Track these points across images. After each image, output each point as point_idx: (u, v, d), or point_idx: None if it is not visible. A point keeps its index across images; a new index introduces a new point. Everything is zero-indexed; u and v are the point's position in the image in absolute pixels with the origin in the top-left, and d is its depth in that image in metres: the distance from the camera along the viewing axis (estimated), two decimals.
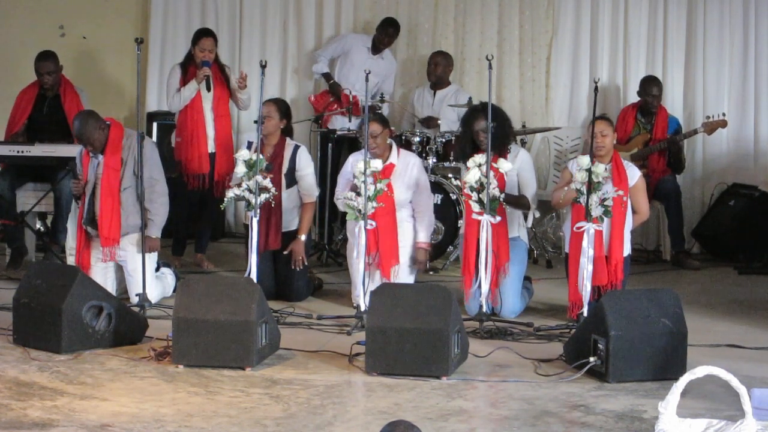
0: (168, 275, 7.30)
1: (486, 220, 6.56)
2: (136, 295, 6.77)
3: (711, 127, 8.82)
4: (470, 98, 8.79)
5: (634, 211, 6.86)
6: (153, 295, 6.90)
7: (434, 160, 8.42)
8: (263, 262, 7.01)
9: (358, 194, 6.54)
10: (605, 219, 6.47)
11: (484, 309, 6.52)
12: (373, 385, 5.32)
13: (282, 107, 7.43)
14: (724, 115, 8.87)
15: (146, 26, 10.02)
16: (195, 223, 8.34)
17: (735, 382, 3.84)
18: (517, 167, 7.03)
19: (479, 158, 6.63)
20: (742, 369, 5.25)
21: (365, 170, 6.50)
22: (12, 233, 8.15)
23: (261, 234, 7.00)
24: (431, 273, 8.17)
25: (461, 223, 7.91)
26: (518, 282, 6.93)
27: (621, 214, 6.66)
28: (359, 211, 6.54)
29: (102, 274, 6.94)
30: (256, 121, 7.52)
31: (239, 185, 6.76)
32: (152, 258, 7.04)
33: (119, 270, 7.09)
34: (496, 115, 6.96)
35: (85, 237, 6.99)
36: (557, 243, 8.93)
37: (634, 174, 6.88)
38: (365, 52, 9.41)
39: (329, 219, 8.79)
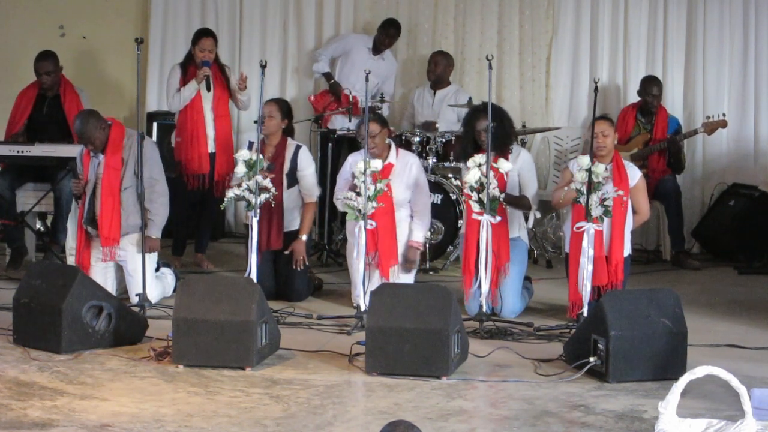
0: (168, 275, 7.30)
1: (486, 220, 6.56)
2: (136, 295, 6.77)
3: (711, 127, 8.82)
4: (470, 98, 8.80)
5: (634, 212, 6.86)
6: (153, 295, 6.90)
7: (434, 160, 8.42)
8: (264, 262, 7.02)
9: (358, 194, 6.54)
10: (605, 219, 6.47)
11: (484, 309, 6.52)
12: (373, 385, 5.32)
13: (284, 107, 7.43)
14: (724, 115, 8.87)
15: (146, 26, 10.02)
16: (195, 223, 8.35)
17: (735, 382, 3.84)
18: (519, 168, 7.03)
19: (479, 158, 6.63)
20: (742, 369, 5.25)
21: (365, 170, 6.50)
22: (12, 233, 8.15)
23: (262, 234, 7.02)
24: (431, 273, 8.17)
25: (461, 223, 7.92)
26: (518, 282, 6.93)
27: (621, 215, 6.66)
28: (359, 211, 6.54)
29: (102, 274, 6.94)
30: (256, 121, 7.52)
31: (239, 185, 6.76)
32: (152, 258, 7.05)
33: (119, 270, 7.09)
34: (498, 115, 6.98)
35: (85, 237, 6.99)
36: (557, 243, 8.93)
37: (634, 174, 6.88)
38: (366, 53, 9.41)
39: (329, 219, 8.79)
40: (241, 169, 6.74)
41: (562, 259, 7.58)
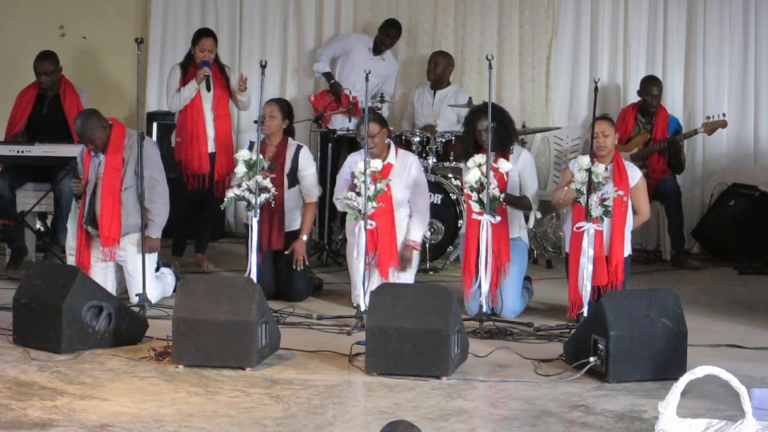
0: (168, 275, 7.30)
1: (486, 220, 6.56)
2: (136, 295, 6.77)
3: (711, 127, 8.82)
4: (470, 98, 8.80)
5: (634, 212, 6.86)
6: (153, 295, 6.90)
7: (434, 160, 8.42)
8: (264, 262, 7.02)
9: (358, 194, 6.54)
10: (605, 219, 6.47)
11: (484, 309, 6.52)
12: (373, 385, 5.32)
13: (285, 107, 7.43)
14: (724, 115, 8.87)
15: (146, 26, 10.02)
16: (195, 223, 8.35)
17: (735, 382, 3.84)
18: (519, 168, 7.03)
19: (479, 158, 6.63)
20: (742, 369, 5.25)
21: (365, 170, 6.50)
22: (12, 233, 8.15)
23: (264, 234, 7.03)
24: (431, 273, 8.18)
25: (461, 223, 7.92)
26: (518, 282, 6.93)
27: (621, 215, 6.66)
28: (359, 211, 6.54)
29: (102, 274, 6.94)
30: (256, 121, 7.52)
31: (239, 185, 6.76)
32: (152, 258, 7.05)
33: (119, 270, 7.09)
34: (499, 115, 6.98)
35: (86, 237, 6.99)
36: (557, 243, 8.93)
37: (635, 174, 6.88)
38: (366, 53, 9.41)
39: (329, 219, 8.79)
40: (241, 169, 6.74)
41: (562, 259, 7.58)
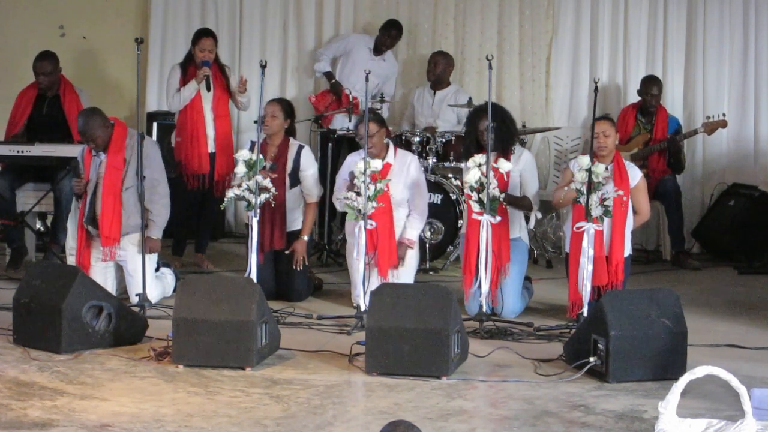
0: (168, 275, 7.30)
1: (486, 220, 6.56)
2: (136, 295, 6.76)
3: (711, 127, 8.83)
4: (470, 98, 8.80)
5: (634, 212, 6.86)
6: (153, 295, 6.90)
7: (434, 160, 8.42)
8: (264, 262, 7.02)
9: (358, 194, 6.54)
10: (606, 219, 6.47)
11: (484, 309, 6.52)
12: (373, 385, 5.32)
13: (286, 107, 7.44)
14: (724, 115, 8.87)
15: (146, 26, 10.02)
16: (195, 223, 8.34)
17: (735, 382, 3.84)
18: (521, 168, 7.03)
19: (479, 158, 6.63)
20: (742, 369, 5.25)
21: (365, 170, 6.50)
22: (12, 233, 8.15)
23: (265, 233, 7.05)
24: (431, 273, 8.18)
25: (461, 223, 7.92)
26: (519, 282, 6.93)
27: (622, 215, 6.65)
28: (359, 211, 6.54)
29: (102, 274, 6.94)
30: (256, 121, 7.52)
31: (239, 185, 6.76)
32: (152, 258, 7.05)
33: (119, 270, 7.09)
34: (500, 115, 6.98)
35: (86, 236, 6.99)
36: (557, 243, 8.93)
37: (635, 174, 6.87)
38: (367, 53, 9.41)
39: (328, 218, 8.79)
40: (241, 169, 6.74)
41: (562, 259, 7.58)
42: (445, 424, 4.73)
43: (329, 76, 9.45)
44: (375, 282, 6.56)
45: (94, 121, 6.88)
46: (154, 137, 9.31)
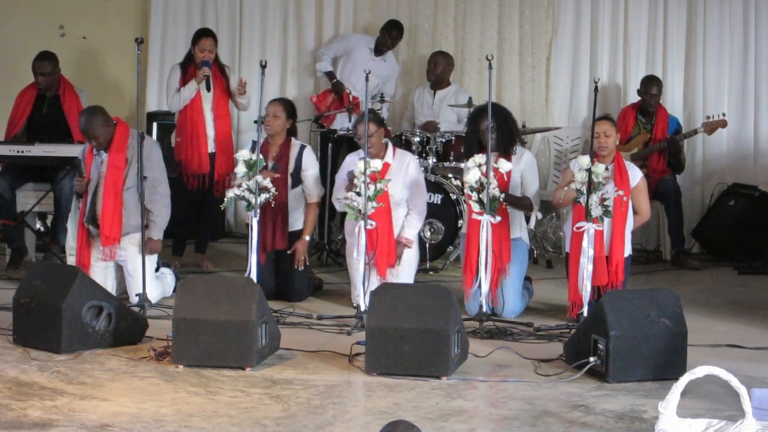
0: (168, 275, 7.30)
1: (486, 220, 6.56)
2: (136, 295, 6.76)
3: (711, 127, 8.83)
4: (470, 98, 8.79)
5: (635, 212, 6.86)
6: (153, 295, 6.90)
7: (434, 160, 8.42)
8: (265, 262, 7.03)
9: (358, 194, 6.54)
10: (606, 219, 6.47)
11: (484, 309, 6.52)
12: (373, 385, 5.32)
13: (288, 107, 7.44)
14: (724, 115, 8.87)
15: (146, 26, 10.02)
16: (195, 223, 8.34)
17: (735, 382, 3.84)
18: (522, 168, 7.03)
19: (479, 158, 6.63)
20: (742, 369, 5.25)
21: (365, 170, 6.50)
22: (12, 233, 8.15)
23: (267, 233, 7.06)
24: (431, 273, 8.18)
25: (461, 223, 7.92)
26: (519, 282, 6.93)
27: (622, 215, 6.65)
28: (359, 211, 6.54)
29: (102, 274, 6.94)
30: (256, 121, 7.52)
31: (239, 185, 6.76)
32: (152, 258, 7.04)
33: (119, 270, 7.09)
34: (502, 115, 6.99)
35: (86, 236, 6.98)
36: (557, 243, 8.94)
37: (635, 175, 6.87)
38: (368, 53, 9.41)
39: (328, 218, 8.79)
40: (241, 169, 6.74)
41: (562, 259, 7.59)
42: (445, 424, 4.73)
43: (330, 75, 9.45)
44: (375, 282, 6.56)
45: (96, 120, 6.88)
46: (154, 137, 9.31)
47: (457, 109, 9.04)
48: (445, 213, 8.21)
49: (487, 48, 9.48)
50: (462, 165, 7.76)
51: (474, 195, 6.60)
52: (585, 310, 6.39)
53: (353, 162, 6.92)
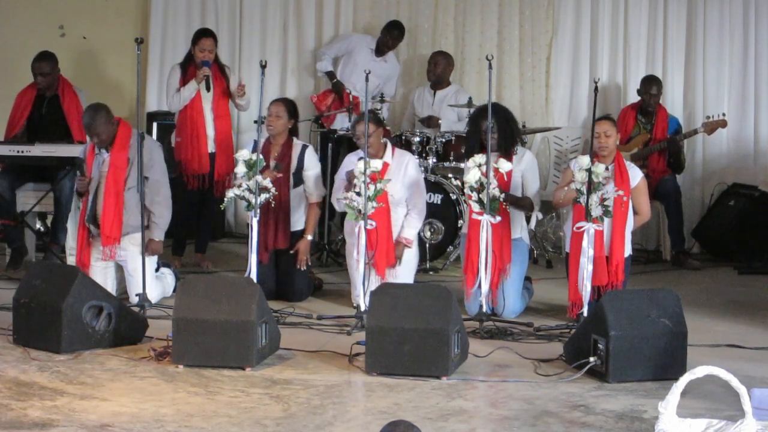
0: (168, 275, 7.30)
1: (486, 220, 6.56)
2: (136, 295, 6.76)
3: (711, 127, 8.82)
4: (470, 98, 8.79)
5: (635, 212, 6.86)
6: (153, 295, 6.90)
7: (434, 160, 8.42)
8: (267, 261, 7.04)
9: (358, 194, 6.54)
10: (606, 219, 6.47)
11: (484, 309, 6.52)
12: (373, 385, 5.32)
13: (290, 107, 7.44)
14: (724, 115, 8.87)
15: (146, 26, 10.02)
16: (195, 223, 8.34)
17: (735, 382, 3.84)
18: (522, 168, 7.03)
19: (479, 158, 6.63)
20: (742, 369, 5.25)
21: (365, 170, 6.50)
22: (12, 233, 8.14)
23: (269, 233, 7.06)
24: (431, 273, 8.17)
25: (461, 223, 7.92)
26: (519, 282, 6.93)
27: (622, 215, 6.65)
28: (359, 211, 6.54)
29: (102, 274, 6.94)
30: (256, 121, 7.51)
31: (239, 185, 6.76)
32: (152, 258, 7.04)
33: (119, 270, 7.09)
34: (503, 115, 6.99)
35: (87, 235, 6.98)
36: (557, 243, 8.93)
37: (635, 175, 6.87)
38: (369, 54, 9.41)
39: (327, 218, 8.79)
40: (241, 169, 6.73)
41: (562, 259, 7.58)
42: (445, 424, 4.73)
43: (331, 75, 9.45)
44: (375, 282, 6.56)
45: (99, 117, 6.89)
46: (154, 137, 9.31)
47: (457, 109, 9.04)
48: (445, 213, 8.20)
49: (487, 48, 9.48)
50: (462, 165, 7.77)
51: (474, 195, 6.60)
52: (585, 310, 6.39)
53: (352, 162, 6.92)
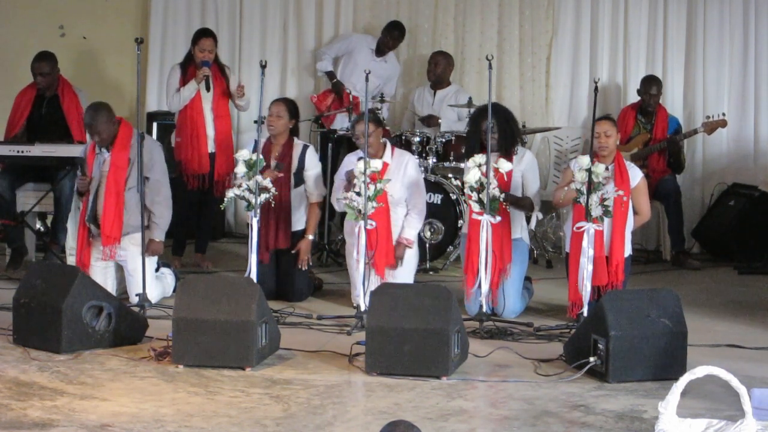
0: (168, 275, 7.30)
1: (486, 220, 6.56)
2: (136, 295, 6.76)
3: (711, 127, 8.82)
4: (470, 98, 8.80)
5: (635, 212, 6.86)
6: (153, 295, 6.90)
7: (434, 160, 8.42)
8: (268, 261, 7.04)
9: (358, 194, 6.54)
10: (606, 219, 6.47)
11: (484, 309, 6.51)
12: (373, 385, 5.32)
13: (291, 107, 7.44)
14: (724, 115, 8.87)
15: (146, 26, 10.02)
16: (195, 223, 8.34)
17: (735, 382, 3.84)
18: (523, 168, 7.03)
19: (479, 158, 6.63)
20: (742, 369, 5.25)
21: (365, 170, 6.50)
22: (12, 233, 8.14)
23: (270, 233, 7.06)
24: (431, 273, 8.17)
25: (461, 223, 7.92)
26: (519, 282, 6.93)
27: (622, 215, 6.65)
28: (359, 211, 6.54)
29: (102, 274, 6.94)
30: (256, 121, 7.51)
31: (239, 186, 6.76)
32: (152, 258, 7.04)
33: (119, 270, 7.09)
34: (504, 115, 6.99)
35: (87, 235, 6.98)
36: (557, 243, 8.93)
37: (636, 175, 6.87)
38: (369, 54, 9.41)
39: (327, 218, 8.79)
40: (241, 169, 6.73)
41: (562, 259, 7.58)
42: (445, 424, 4.73)
43: (331, 75, 9.45)
44: (375, 282, 6.56)
45: (101, 115, 6.89)
46: (154, 137, 9.31)
47: (457, 108, 9.05)
48: (445, 213, 8.20)
49: (487, 48, 9.48)
50: (462, 165, 7.76)
51: (474, 195, 6.60)
52: (585, 310, 6.39)
53: (352, 162, 6.92)
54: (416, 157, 7.88)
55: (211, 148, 8.18)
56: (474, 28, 9.77)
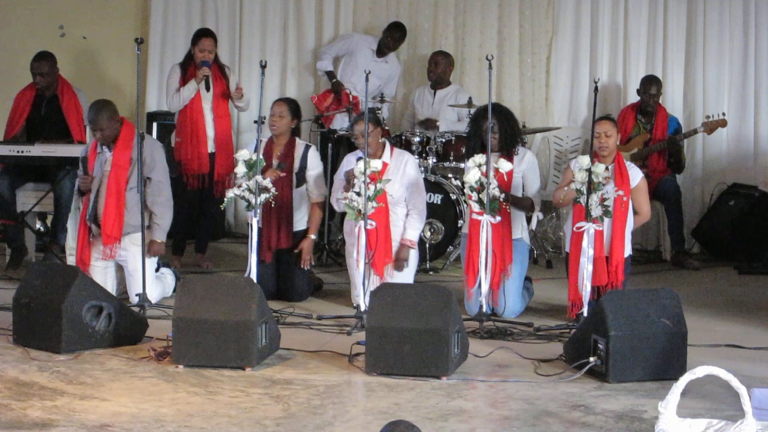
0: (168, 275, 7.30)
1: (486, 220, 6.56)
2: (136, 295, 6.76)
3: (711, 126, 8.82)
4: (470, 98, 8.80)
5: (635, 212, 6.86)
6: (153, 295, 6.90)
7: (434, 160, 8.41)
8: (270, 260, 7.04)
9: (358, 194, 6.54)
10: (606, 219, 6.47)
11: (484, 309, 6.52)
12: (373, 385, 5.32)
13: (293, 107, 7.45)
14: (723, 114, 8.87)
15: (146, 26, 10.03)
16: (195, 223, 8.34)
17: (735, 382, 3.84)
18: (523, 169, 7.03)
19: (479, 158, 6.63)
20: (742, 369, 5.25)
21: (365, 170, 6.50)
22: (12, 233, 8.15)
23: (272, 232, 7.07)
24: (431, 273, 8.17)
25: (461, 223, 7.92)
26: (519, 282, 6.93)
27: (622, 215, 6.65)
28: (359, 211, 6.54)
29: (102, 274, 6.94)
30: (256, 121, 7.51)
31: (239, 186, 6.76)
32: (153, 258, 7.04)
33: (119, 270, 7.09)
34: (504, 115, 6.99)
35: (87, 234, 6.98)
36: (557, 243, 8.93)
37: (636, 175, 6.87)
38: (370, 54, 9.41)
39: (327, 218, 8.78)
40: (241, 170, 6.74)
41: (562, 259, 7.58)
42: (445, 424, 4.73)
43: (331, 75, 9.45)
44: (375, 282, 6.56)
45: (104, 113, 6.90)
46: (154, 137, 9.31)
47: (457, 108, 9.05)
48: (445, 213, 8.20)
49: (487, 48, 9.48)
50: (462, 165, 7.76)
51: (474, 195, 6.60)
52: (585, 310, 6.39)
53: (351, 162, 6.92)
54: (416, 157, 7.88)
55: (211, 148, 8.18)
56: (474, 28, 9.78)
